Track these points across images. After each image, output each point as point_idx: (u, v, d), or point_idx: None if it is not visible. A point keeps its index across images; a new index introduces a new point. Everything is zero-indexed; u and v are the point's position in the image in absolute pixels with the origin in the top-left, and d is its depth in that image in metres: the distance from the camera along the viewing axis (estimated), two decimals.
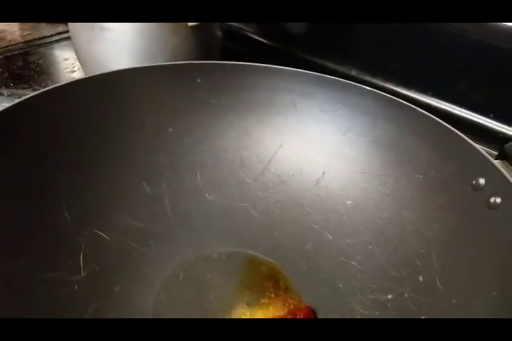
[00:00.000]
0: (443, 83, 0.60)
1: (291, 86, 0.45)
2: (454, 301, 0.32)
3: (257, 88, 0.46)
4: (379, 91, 0.41)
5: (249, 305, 0.37)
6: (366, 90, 0.42)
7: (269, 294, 0.38)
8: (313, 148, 0.45)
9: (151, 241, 0.41)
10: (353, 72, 0.66)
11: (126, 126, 0.44)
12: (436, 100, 0.60)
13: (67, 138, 0.41)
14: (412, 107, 0.39)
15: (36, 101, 0.40)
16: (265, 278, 0.39)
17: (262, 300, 0.37)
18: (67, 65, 0.68)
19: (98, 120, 0.43)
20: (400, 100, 0.40)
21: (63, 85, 0.42)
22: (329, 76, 0.43)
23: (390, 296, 0.36)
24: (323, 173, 0.44)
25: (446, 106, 0.60)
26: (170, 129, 0.45)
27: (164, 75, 0.45)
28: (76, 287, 0.36)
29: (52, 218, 0.38)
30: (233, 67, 0.45)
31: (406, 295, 0.35)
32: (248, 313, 0.37)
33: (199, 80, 0.45)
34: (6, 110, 0.38)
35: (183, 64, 0.45)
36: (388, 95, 0.40)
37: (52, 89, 0.41)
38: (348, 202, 0.42)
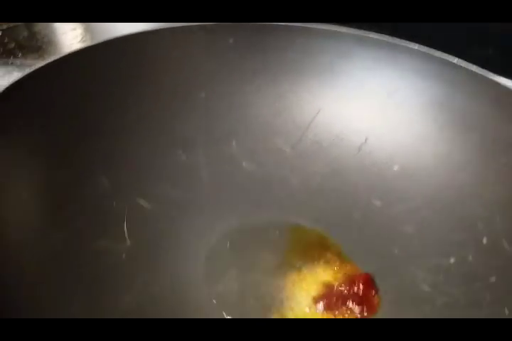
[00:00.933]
0: (470, 47, 0.59)
1: (329, 46, 0.43)
2: None
3: (293, 49, 0.44)
4: (427, 50, 0.40)
5: (303, 272, 0.36)
6: (414, 50, 0.40)
7: (322, 261, 0.37)
8: (354, 112, 0.43)
9: (192, 210, 0.39)
10: None
11: (157, 91, 0.42)
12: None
13: (97, 104, 0.40)
14: (465, 67, 0.38)
15: (61, 65, 0.38)
16: (315, 246, 0.38)
17: (316, 268, 0.36)
18: (76, 35, 0.65)
19: (126, 85, 0.41)
20: (451, 58, 0.39)
21: (87, 48, 0.40)
22: (371, 35, 0.41)
23: (452, 260, 0.35)
24: (366, 139, 0.43)
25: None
26: (203, 94, 0.43)
27: (193, 36, 0.43)
28: (124, 256, 0.34)
29: (92, 185, 0.36)
30: (269, 28, 0.43)
31: (470, 258, 0.34)
32: (303, 281, 0.35)
33: (231, 41, 0.43)
34: (33, 73, 0.36)
35: (212, 24, 0.43)
36: (438, 53, 0.39)
37: (76, 52, 0.39)
38: (395, 168, 0.41)
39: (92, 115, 0.38)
